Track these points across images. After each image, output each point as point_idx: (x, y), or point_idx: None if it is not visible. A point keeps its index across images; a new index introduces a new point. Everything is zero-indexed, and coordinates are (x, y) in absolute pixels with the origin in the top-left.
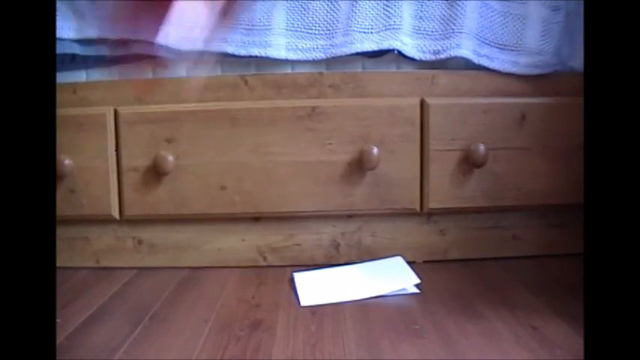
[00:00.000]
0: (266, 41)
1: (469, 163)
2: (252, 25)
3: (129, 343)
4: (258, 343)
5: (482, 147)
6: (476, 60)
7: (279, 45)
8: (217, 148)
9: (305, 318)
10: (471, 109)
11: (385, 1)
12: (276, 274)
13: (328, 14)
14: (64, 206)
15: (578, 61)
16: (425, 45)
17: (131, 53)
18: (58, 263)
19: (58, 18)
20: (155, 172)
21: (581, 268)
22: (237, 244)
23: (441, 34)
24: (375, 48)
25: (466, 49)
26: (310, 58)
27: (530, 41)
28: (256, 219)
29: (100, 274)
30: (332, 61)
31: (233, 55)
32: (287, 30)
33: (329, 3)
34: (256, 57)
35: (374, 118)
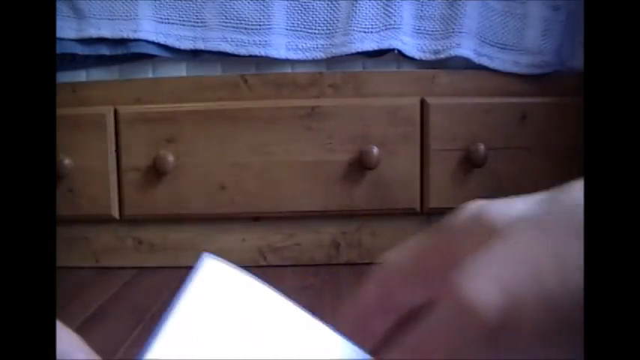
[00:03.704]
0: (266, 41)
1: (469, 162)
2: (253, 25)
3: (129, 343)
4: None
5: (482, 147)
6: (476, 60)
7: (280, 44)
8: (217, 148)
9: None
10: (471, 109)
11: (385, 1)
12: (277, 274)
13: (328, 14)
14: (63, 206)
15: (578, 61)
16: (425, 44)
17: (131, 52)
18: (58, 263)
19: (58, 18)
20: (155, 172)
21: None
22: (237, 244)
23: (441, 34)
24: (376, 47)
25: (467, 48)
26: (310, 58)
27: (530, 41)
28: (256, 219)
29: (99, 273)
30: (332, 61)
31: (233, 55)
32: (287, 29)
33: (329, 2)
34: (256, 56)
35: (374, 117)
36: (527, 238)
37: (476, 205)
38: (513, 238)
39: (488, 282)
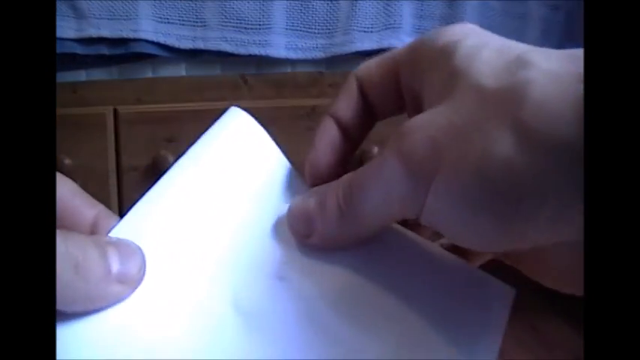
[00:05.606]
0: (266, 40)
1: None
2: (252, 24)
3: None
4: None
5: None
6: None
7: (279, 44)
8: None
9: None
10: None
11: (386, 0)
12: None
13: (328, 13)
14: None
15: None
16: None
17: (131, 52)
18: None
19: (58, 18)
20: (155, 172)
21: None
22: None
23: None
24: (376, 47)
25: None
26: (310, 57)
27: (530, 41)
28: None
29: None
30: (332, 61)
31: (232, 54)
32: (287, 29)
33: (329, 2)
34: (256, 56)
35: None
36: (467, 104)
37: (456, 35)
38: (457, 102)
39: (423, 139)
